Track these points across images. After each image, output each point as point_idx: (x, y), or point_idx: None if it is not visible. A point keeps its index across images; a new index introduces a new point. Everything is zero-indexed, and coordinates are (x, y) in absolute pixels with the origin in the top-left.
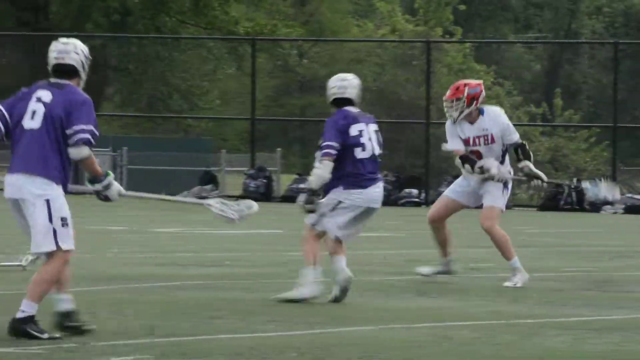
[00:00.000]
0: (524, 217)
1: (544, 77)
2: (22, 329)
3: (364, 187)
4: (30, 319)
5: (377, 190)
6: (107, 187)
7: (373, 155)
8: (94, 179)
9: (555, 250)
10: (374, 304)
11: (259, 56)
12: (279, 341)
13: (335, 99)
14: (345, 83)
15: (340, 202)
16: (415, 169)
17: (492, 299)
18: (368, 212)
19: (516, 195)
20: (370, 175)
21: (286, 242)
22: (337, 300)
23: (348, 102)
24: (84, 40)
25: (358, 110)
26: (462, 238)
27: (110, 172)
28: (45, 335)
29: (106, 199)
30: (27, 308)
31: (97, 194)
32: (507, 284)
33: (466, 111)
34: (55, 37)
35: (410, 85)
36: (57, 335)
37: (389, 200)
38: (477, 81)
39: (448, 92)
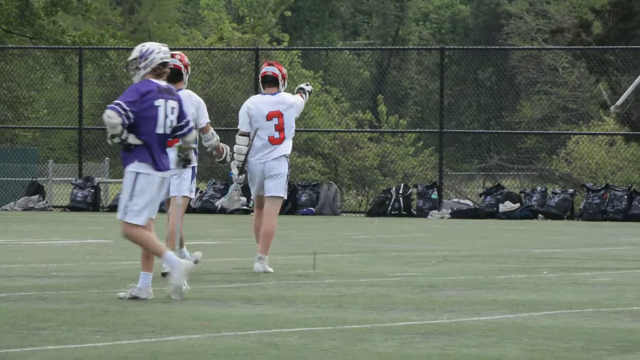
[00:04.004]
0: (352, 223)
1: (372, 84)
2: None
3: None
4: None
5: None
6: None
7: None
8: None
9: (382, 256)
10: (201, 312)
11: (86, 66)
12: (107, 351)
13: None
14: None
15: None
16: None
17: (319, 305)
18: None
19: (345, 202)
20: None
21: (114, 251)
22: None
23: None
24: None
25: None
26: (288, 245)
27: None
28: None
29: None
30: None
31: None
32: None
33: None
34: None
35: (239, 92)
36: None
37: (218, 208)
38: None
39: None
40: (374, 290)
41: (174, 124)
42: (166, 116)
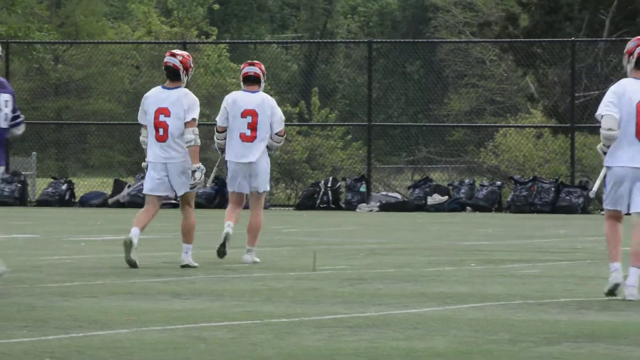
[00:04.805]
0: (281, 216)
1: (301, 77)
2: None
3: None
4: None
5: None
6: None
7: None
8: None
9: (311, 249)
10: (129, 306)
11: (13, 59)
12: (33, 346)
13: None
14: None
15: None
16: None
17: (247, 299)
18: None
19: (274, 195)
20: None
21: (42, 246)
22: None
23: None
24: None
25: None
26: (217, 238)
27: None
28: None
29: None
30: None
31: None
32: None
33: None
34: None
35: None
36: None
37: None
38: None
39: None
40: (302, 283)
41: (9, 117)
42: (0, 110)
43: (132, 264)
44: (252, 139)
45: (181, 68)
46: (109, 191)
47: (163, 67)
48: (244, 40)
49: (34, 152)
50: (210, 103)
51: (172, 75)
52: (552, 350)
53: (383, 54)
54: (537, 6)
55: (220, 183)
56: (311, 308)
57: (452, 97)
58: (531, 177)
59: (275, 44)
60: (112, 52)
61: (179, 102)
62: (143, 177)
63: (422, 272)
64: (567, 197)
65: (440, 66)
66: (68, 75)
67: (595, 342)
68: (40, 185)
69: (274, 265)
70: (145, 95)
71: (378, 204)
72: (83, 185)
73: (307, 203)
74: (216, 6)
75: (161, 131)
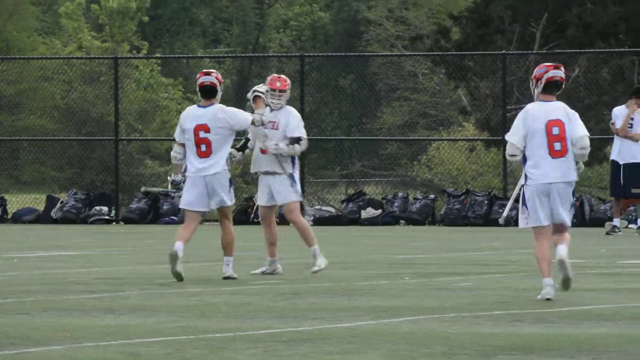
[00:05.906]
0: (215, 231)
1: (234, 91)
2: None
3: None
4: None
5: None
6: None
7: None
8: None
9: (244, 264)
10: (62, 322)
11: None
12: None
13: None
14: None
15: None
16: (106, 186)
17: (181, 314)
18: None
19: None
20: None
21: None
22: None
23: None
24: None
25: None
26: (151, 254)
27: None
28: None
29: None
30: None
31: None
32: (313, 269)
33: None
34: None
35: (100, 101)
36: None
37: (79, 218)
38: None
39: (278, 84)
40: (236, 298)
41: None
42: None
43: (178, 276)
44: None
45: (217, 83)
46: (41, 207)
47: (198, 88)
48: (176, 55)
49: None
50: (143, 118)
51: (210, 94)
52: None
53: (315, 67)
54: (468, 19)
55: (152, 198)
56: (246, 323)
57: (385, 110)
58: (464, 190)
59: (208, 58)
60: (43, 68)
61: (218, 117)
62: (76, 193)
63: (356, 286)
64: (500, 210)
65: (372, 80)
66: None
67: (529, 354)
68: None
69: (208, 280)
70: (182, 115)
71: (312, 218)
72: (15, 202)
73: (241, 218)
74: (145, 18)
75: (203, 147)
